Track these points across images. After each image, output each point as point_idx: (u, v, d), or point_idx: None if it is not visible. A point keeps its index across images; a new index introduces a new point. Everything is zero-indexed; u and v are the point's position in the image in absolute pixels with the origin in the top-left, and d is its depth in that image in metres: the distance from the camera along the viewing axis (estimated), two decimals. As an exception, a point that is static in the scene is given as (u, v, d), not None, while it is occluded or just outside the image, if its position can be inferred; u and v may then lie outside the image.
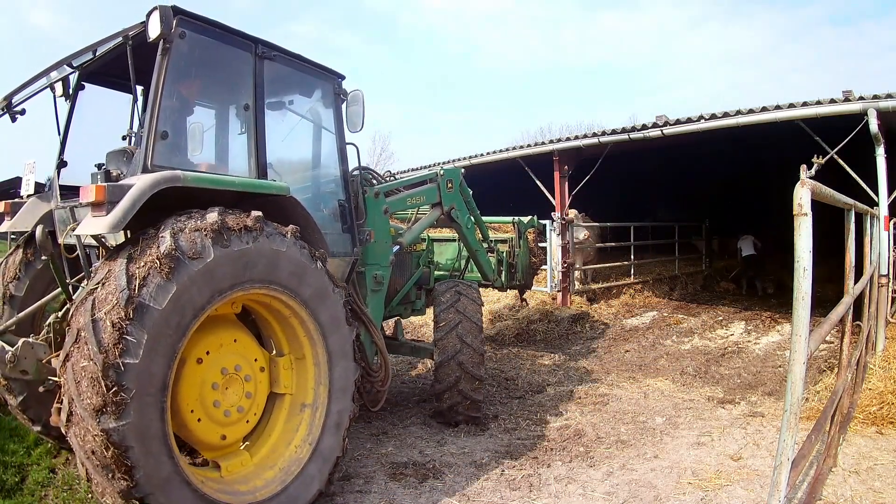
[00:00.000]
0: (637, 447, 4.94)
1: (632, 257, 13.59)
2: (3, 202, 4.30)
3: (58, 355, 3.20)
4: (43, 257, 3.44)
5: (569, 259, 11.21)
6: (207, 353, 3.41)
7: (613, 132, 10.58)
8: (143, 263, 2.88)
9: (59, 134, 4.33)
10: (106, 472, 2.73)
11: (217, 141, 4.43)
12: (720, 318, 11.23)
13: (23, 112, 4.32)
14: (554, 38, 76.87)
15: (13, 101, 4.22)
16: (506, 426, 5.56)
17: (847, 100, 7.72)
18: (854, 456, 4.49)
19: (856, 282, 4.54)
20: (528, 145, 12.20)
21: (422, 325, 9.85)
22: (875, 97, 7.45)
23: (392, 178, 6.14)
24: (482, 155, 13.19)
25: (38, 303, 4.12)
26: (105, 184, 3.01)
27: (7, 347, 3.19)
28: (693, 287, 14.99)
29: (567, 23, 78.29)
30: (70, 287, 3.77)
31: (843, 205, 3.76)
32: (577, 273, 11.74)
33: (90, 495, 3.86)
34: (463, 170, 6.46)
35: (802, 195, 2.20)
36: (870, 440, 4.83)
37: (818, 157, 3.46)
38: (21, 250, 4.29)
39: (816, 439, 3.28)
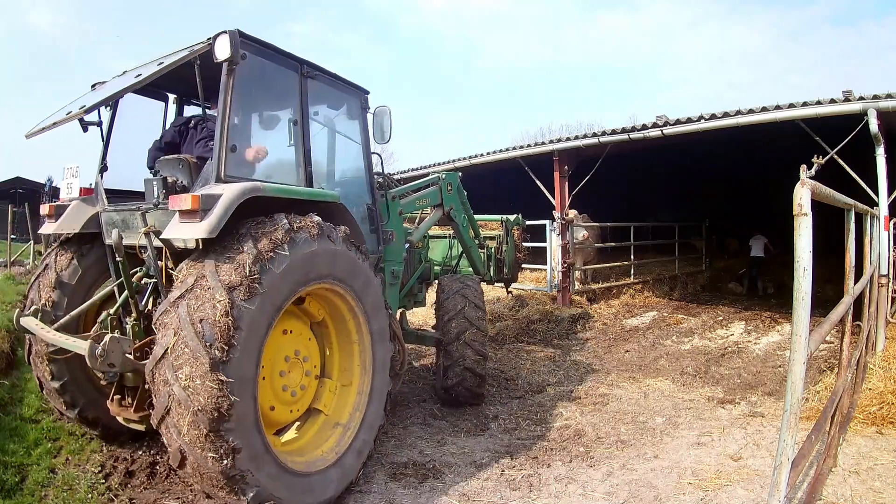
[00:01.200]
0: (637, 447, 4.94)
1: (632, 257, 13.59)
2: (48, 205, 4.48)
3: (140, 348, 3.62)
4: (118, 258, 3.75)
5: (569, 259, 11.21)
6: (290, 331, 3.88)
7: (613, 132, 10.58)
8: (267, 237, 3.36)
9: (102, 139, 4.58)
10: (195, 397, 3.01)
11: (269, 152, 4.78)
12: (720, 318, 11.23)
13: (98, 124, 4.61)
14: (554, 38, 76.99)
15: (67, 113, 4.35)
16: (506, 426, 5.56)
17: (847, 100, 7.72)
18: (854, 456, 4.49)
19: (856, 282, 4.53)
20: (528, 145, 12.20)
21: (422, 324, 9.86)
22: (875, 97, 7.45)
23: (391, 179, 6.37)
24: (482, 155, 13.19)
25: (92, 299, 4.36)
26: (199, 193, 3.38)
27: (95, 343, 3.43)
28: (693, 287, 15.00)
29: (567, 23, 78.43)
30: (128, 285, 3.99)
31: (843, 205, 3.75)
32: (577, 273, 11.74)
33: (90, 495, 3.86)
34: (460, 173, 6.91)
35: (802, 195, 2.19)
36: (870, 440, 4.83)
37: (818, 157, 3.46)
38: (68, 251, 4.46)
39: (816, 439, 3.27)
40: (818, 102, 7.95)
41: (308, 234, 3.55)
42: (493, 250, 7.82)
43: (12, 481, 3.95)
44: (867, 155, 7.74)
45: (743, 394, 6.54)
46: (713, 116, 9.05)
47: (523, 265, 9.23)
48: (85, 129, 4.51)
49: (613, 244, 13.71)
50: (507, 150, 12.65)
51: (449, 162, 13.89)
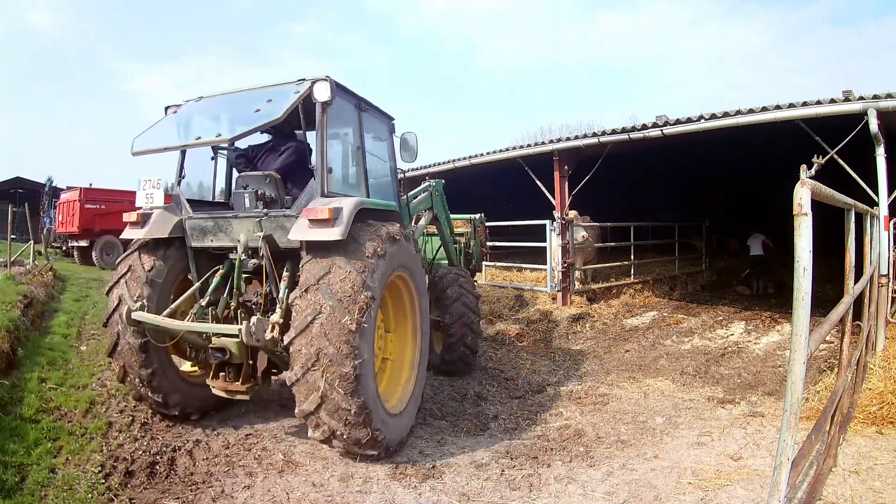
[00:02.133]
0: (637, 447, 4.94)
1: (632, 257, 13.59)
2: (135, 213, 5.10)
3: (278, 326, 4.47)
4: (244, 257, 4.74)
5: (569, 259, 11.21)
6: (381, 314, 4.94)
7: (613, 132, 10.57)
8: (376, 238, 4.45)
9: (180, 155, 5.33)
10: (347, 352, 4.06)
11: (340, 171, 5.71)
12: (720, 318, 11.23)
13: (232, 148, 5.64)
14: (554, 38, 77.04)
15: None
16: (506, 426, 5.56)
17: (847, 100, 7.72)
18: (854, 456, 4.49)
19: (856, 282, 4.53)
20: (528, 145, 12.19)
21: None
22: (875, 97, 7.45)
23: None
24: (482, 155, 13.17)
25: (187, 293, 5.04)
26: (332, 206, 4.32)
27: (248, 324, 4.25)
28: (693, 287, 14.99)
29: (567, 23, 78.49)
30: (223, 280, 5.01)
31: (843, 205, 3.75)
32: (577, 273, 11.75)
33: (90, 495, 3.86)
34: (443, 180, 8.05)
35: (802, 195, 2.19)
36: (870, 440, 4.83)
37: (818, 157, 3.45)
38: (151, 254, 5.10)
39: (816, 439, 3.27)
40: (818, 102, 7.95)
41: (395, 236, 4.66)
42: (462, 245, 8.83)
43: (12, 481, 3.94)
44: (867, 155, 7.73)
45: (743, 394, 6.55)
46: (713, 116, 9.04)
47: (523, 265, 9.66)
48: (214, 154, 5.64)
49: (613, 244, 13.71)
50: (507, 150, 12.64)
51: (449, 162, 13.88)
